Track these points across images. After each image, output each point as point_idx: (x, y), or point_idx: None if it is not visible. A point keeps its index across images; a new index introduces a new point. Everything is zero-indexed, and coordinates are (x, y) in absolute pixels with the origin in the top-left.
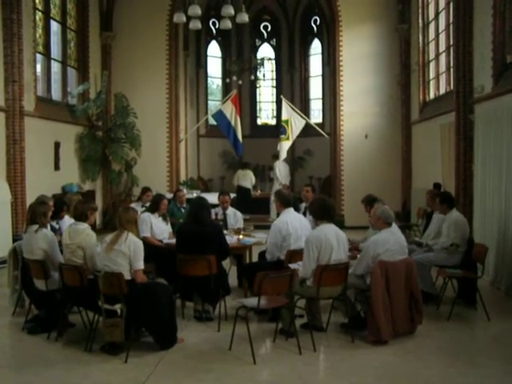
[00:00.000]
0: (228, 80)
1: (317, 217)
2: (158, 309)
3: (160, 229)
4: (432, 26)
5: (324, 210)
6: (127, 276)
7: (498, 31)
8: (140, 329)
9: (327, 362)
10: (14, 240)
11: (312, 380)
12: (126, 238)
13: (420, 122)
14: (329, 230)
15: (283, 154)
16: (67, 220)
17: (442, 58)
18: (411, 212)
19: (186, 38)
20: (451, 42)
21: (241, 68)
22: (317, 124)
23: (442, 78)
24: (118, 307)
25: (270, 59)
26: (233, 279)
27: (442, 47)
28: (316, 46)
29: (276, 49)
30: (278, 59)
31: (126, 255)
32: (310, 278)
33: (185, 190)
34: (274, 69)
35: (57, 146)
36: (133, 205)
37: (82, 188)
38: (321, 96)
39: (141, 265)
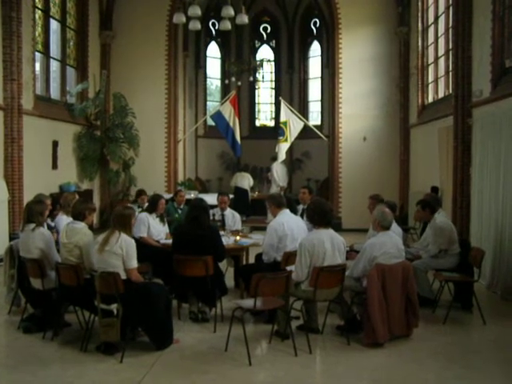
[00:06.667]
0: (227, 81)
1: (313, 222)
2: (155, 309)
3: (157, 229)
4: (431, 30)
5: (320, 216)
6: (123, 276)
7: (497, 36)
8: (136, 329)
9: (323, 364)
10: (11, 239)
11: (307, 382)
12: (118, 238)
13: (418, 125)
14: (324, 234)
15: (281, 156)
16: (65, 219)
17: (441, 61)
18: (409, 215)
19: (186, 38)
20: (450, 46)
21: (240, 69)
22: (315, 126)
23: (441, 82)
24: (114, 307)
25: (269, 61)
26: (229, 280)
27: (441, 51)
28: (315, 48)
29: (275, 50)
30: (277, 61)
31: (119, 255)
32: (304, 281)
33: (184, 191)
34: (273, 70)
35: (55, 144)
36: (130, 205)
37: (80, 187)
38: (319, 98)
39: (134, 263)
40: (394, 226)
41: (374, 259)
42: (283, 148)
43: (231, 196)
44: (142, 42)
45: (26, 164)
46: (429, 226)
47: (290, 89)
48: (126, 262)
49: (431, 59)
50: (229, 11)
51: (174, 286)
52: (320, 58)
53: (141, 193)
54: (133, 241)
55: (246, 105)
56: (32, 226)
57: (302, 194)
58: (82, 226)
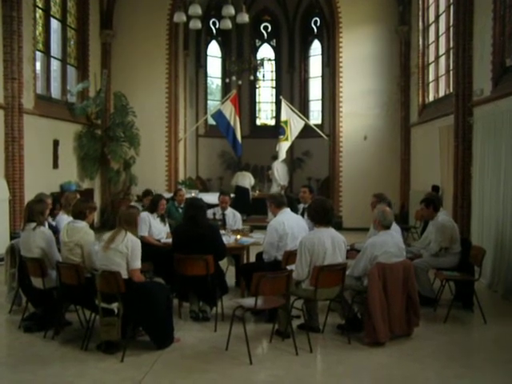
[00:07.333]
0: (227, 80)
1: (314, 221)
2: (155, 308)
3: (158, 229)
4: (432, 29)
5: (321, 215)
6: (125, 275)
7: (498, 35)
8: (137, 328)
9: (323, 363)
10: (12, 238)
11: (308, 381)
12: (125, 237)
13: (419, 124)
14: (324, 233)
15: (282, 155)
16: (65, 218)
17: (442, 60)
18: (409, 214)
19: (186, 37)
20: (451, 45)
21: (240, 68)
22: (316, 125)
23: (442, 81)
24: (115, 306)
25: (269, 60)
26: (230, 279)
27: (442, 50)
28: (316, 47)
29: (276, 49)
30: (277, 60)
31: (124, 254)
32: (305, 280)
33: (184, 190)
34: (274, 69)
35: (56, 144)
36: (133, 204)
37: (81, 186)
38: (320, 97)
39: (138, 264)
40: (393, 225)
41: (375, 258)
42: (284, 147)
43: (232, 195)
44: (142, 41)
45: (27, 163)
46: (431, 224)
47: (291, 88)
48: (130, 262)
49: (432, 58)
50: (229, 10)
51: (174, 285)
52: (321, 56)
53: (147, 193)
54: (139, 241)
55: (247, 104)
56: (33, 225)
57: (303, 193)
58: (83, 225)
